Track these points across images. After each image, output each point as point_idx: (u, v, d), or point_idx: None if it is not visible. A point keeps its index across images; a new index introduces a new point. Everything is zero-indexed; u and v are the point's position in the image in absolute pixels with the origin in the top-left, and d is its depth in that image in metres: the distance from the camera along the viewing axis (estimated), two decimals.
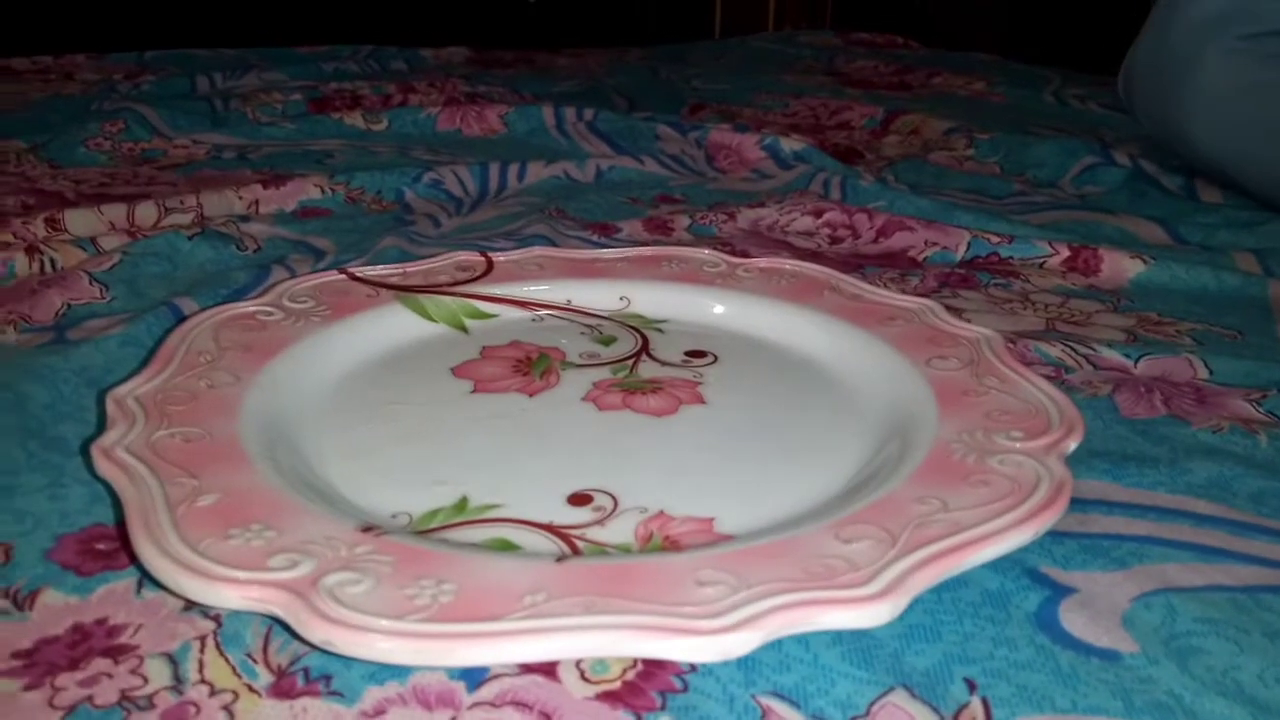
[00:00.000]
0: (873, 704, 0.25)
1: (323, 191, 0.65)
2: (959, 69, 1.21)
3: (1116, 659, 0.26)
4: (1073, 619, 0.27)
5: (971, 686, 0.25)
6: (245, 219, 0.59)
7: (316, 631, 0.23)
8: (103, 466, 0.30)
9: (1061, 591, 0.29)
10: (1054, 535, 0.30)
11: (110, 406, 0.33)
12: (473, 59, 1.26)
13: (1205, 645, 0.26)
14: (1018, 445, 0.32)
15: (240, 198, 0.63)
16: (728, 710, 0.24)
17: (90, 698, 0.24)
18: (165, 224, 0.59)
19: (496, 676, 0.25)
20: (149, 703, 0.24)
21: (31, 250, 0.52)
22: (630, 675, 0.25)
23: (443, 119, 0.86)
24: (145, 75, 1.05)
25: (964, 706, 0.24)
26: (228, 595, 0.25)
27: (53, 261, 0.52)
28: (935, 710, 0.24)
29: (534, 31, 2.04)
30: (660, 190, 0.70)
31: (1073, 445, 0.32)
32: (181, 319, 0.43)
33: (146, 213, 0.60)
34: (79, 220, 0.58)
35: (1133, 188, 0.71)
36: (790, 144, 0.75)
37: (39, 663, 0.25)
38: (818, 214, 0.62)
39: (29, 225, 0.57)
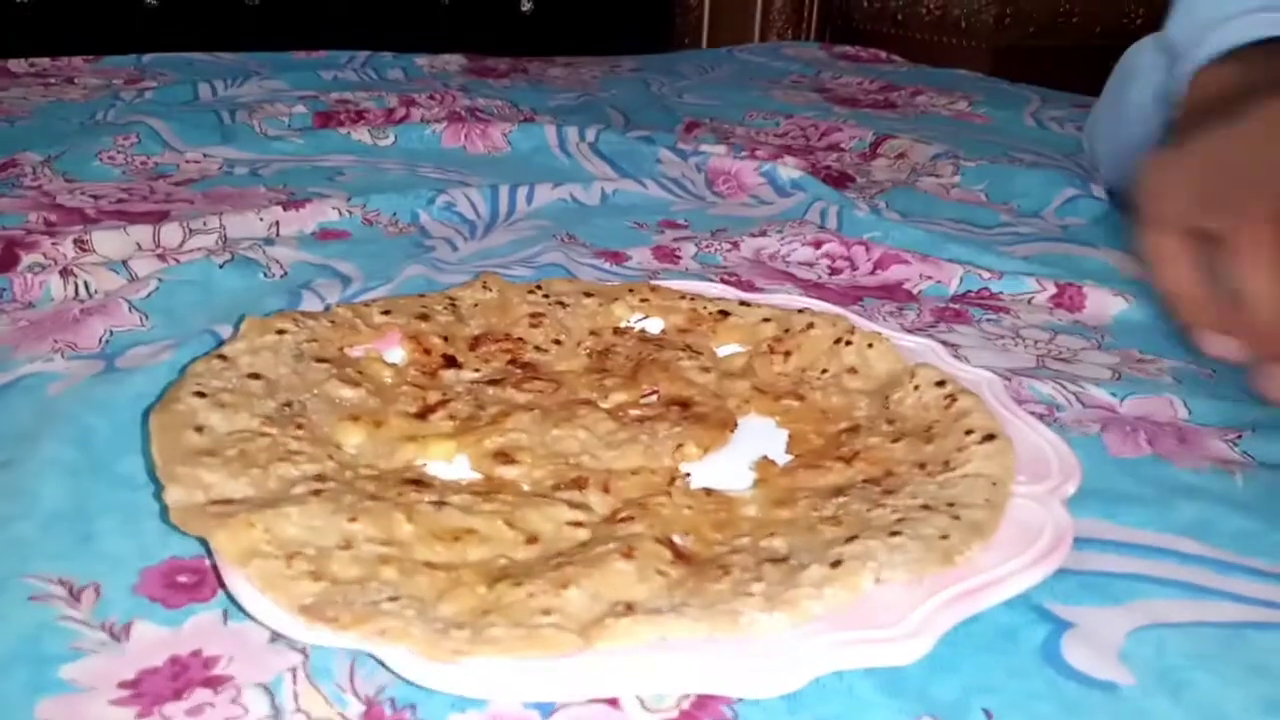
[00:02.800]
0: None
1: (340, 213, 0.67)
2: (942, 87, 1.25)
3: (1115, 690, 0.29)
4: (1075, 652, 0.31)
5: (989, 716, 0.28)
6: (269, 242, 0.61)
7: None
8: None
9: (1063, 626, 0.32)
10: (1055, 572, 0.33)
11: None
12: (467, 68, 1.28)
13: (1194, 679, 0.30)
14: (1022, 490, 0.35)
15: (261, 219, 0.65)
16: None
17: None
18: (191, 245, 0.61)
19: (565, 706, 0.28)
20: None
21: (66, 273, 0.54)
22: (685, 705, 0.28)
23: (447, 136, 0.88)
24: (145, 82, 1.07)
25: None
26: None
27: (87, 285, 0.54)
28: None
29: (524, 32, 2.05)
30: (663, 215, 0.73)
31: (1071, 490, 0.35)
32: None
33: (172, 234, 0.62)
34: (107, 241, 0.60)
35: (1111, 220, 0.74)
36: (787, 171, 0.78)
37: (145, 693, 0.28)
38: (817, 245, 0.65)
39: (58, 245, 0.58)
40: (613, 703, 0.28)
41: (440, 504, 0.33)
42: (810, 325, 0.47)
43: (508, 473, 0.37)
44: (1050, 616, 0.32)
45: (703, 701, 0.28)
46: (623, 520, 0.34)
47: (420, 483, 0.35)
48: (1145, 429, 0.44)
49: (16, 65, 1.10)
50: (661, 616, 0.28)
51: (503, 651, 0.27)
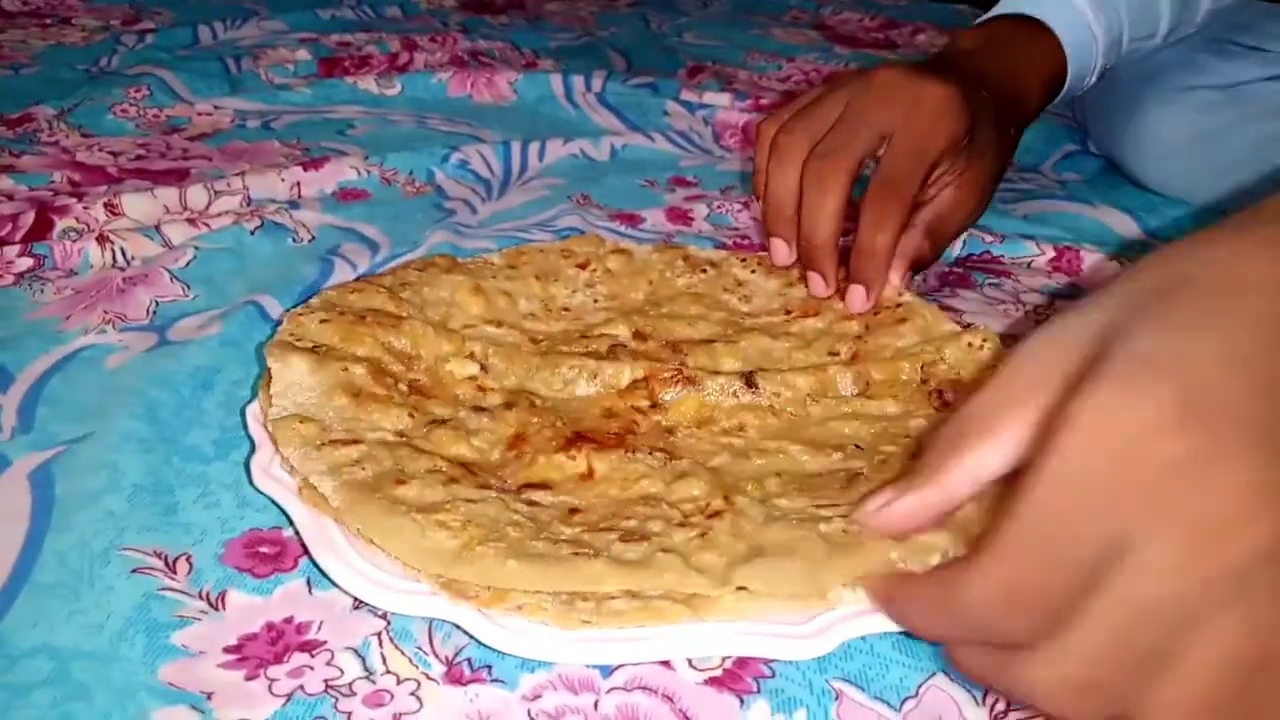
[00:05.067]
0: (920, 686, 0.31)
1: (359, 173, 0.68)
2: (942, 24, 1.25)
3: None
4: None
5: None
6: (294, 205, 0.63)
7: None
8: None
9: None
10: None
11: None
12: (464, 2, 1.27)
13: None
14: None
15: (282, 180, 0.66)
16: (808, 692, 0.31)
17: (302, 686, 0.30)
18: (217, 208, 0.63)
19: (622, 666, 0.31)
20: (350, 690, 0.30)
21: (102, 240, 0.56)
22: (728, 664, 0.32)
23: (453, 84, 0.89)
24: (144, 22, 1.06)
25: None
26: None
27: (124, 251, 0.56)
28: (969, 691, 0.31)
29: None
30: (673, 171, 0.74)
31: None
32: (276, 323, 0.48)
33: (197, 196, 0.63)
34: (135, 204, 0.61)
35: (1108, 177, 0.77)
36: None
37: (249, 657, 0.31)
38: None
39: (89, 209, 0.60)
40: (665, 663, 0.32)
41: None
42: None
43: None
44: None
45: (744, 660, 0.32)
46: None
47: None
48: None
49: (10, 4, 1.09)
50: (759, 596, 0.31)
51: (625, 622, 0.30)
